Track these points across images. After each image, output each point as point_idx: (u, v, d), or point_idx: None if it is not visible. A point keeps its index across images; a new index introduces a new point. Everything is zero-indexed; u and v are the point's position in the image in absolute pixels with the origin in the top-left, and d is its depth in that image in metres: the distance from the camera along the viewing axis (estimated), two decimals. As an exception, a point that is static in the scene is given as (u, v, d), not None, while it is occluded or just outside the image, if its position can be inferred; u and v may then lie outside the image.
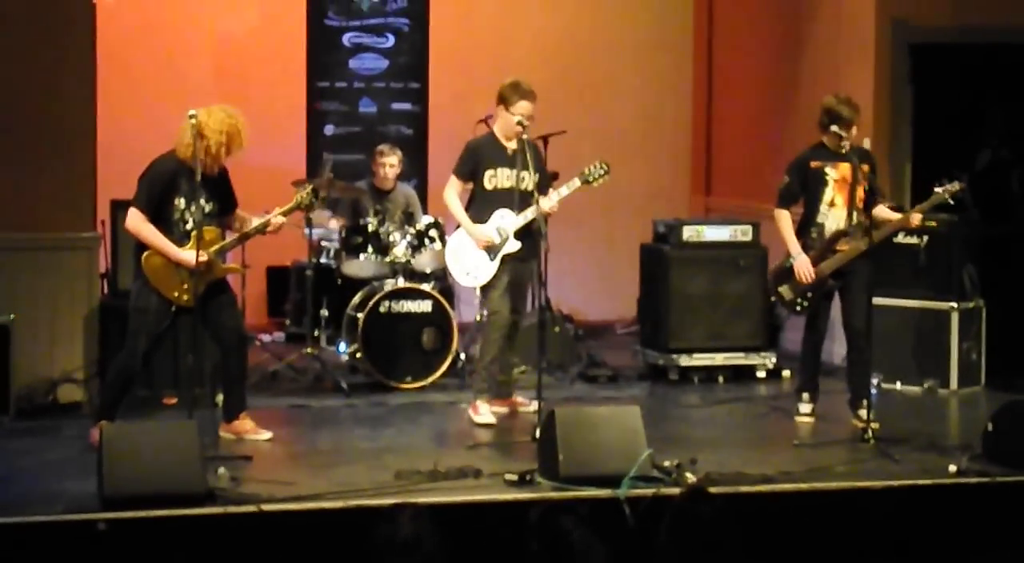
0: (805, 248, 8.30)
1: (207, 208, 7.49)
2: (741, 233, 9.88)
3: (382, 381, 9.20)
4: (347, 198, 10.03)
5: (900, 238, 9.23)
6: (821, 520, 6.66)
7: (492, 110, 8.51)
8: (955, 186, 8.21)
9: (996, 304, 9.52)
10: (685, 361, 9.64)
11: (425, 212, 10.22)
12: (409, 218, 9.73)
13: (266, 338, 10.55)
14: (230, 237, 7.84)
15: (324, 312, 9.78)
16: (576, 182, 8.38)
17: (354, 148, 11.72)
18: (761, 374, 9.75)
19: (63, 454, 7.42)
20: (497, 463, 7.24)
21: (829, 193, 8.30)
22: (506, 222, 8.35)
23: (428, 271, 9.51)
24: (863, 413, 8.04)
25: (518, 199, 8.30)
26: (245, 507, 6.31)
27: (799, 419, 8.47)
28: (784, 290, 8.41)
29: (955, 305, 9.38)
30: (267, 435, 7.83)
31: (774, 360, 9.80)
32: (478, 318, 9.56)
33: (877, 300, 8.47)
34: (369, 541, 4.47)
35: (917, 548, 6.57)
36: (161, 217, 7.53)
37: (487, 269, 8.39)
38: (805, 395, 8.51)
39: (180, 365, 8.41)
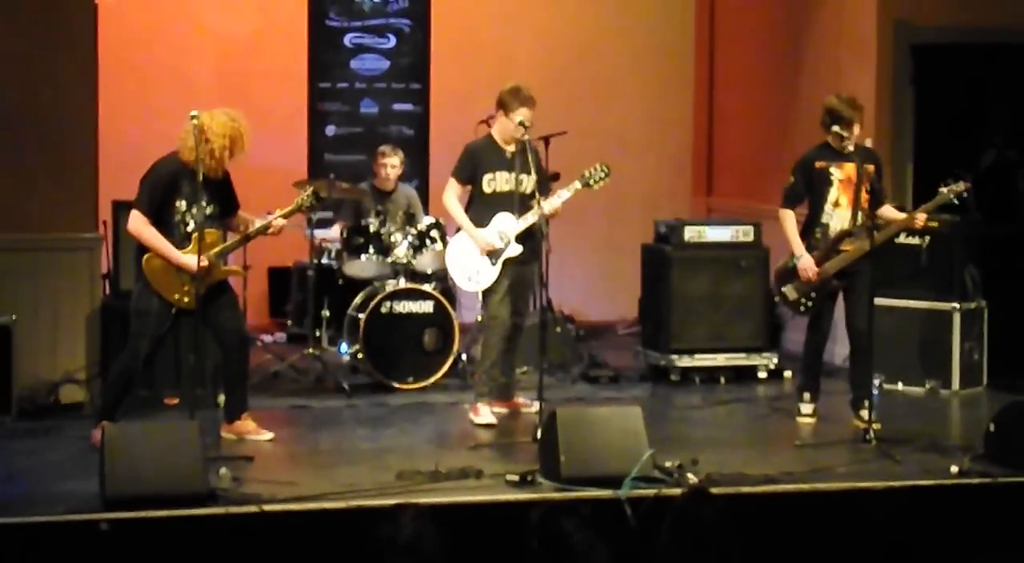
0: (809, 248, 8.30)
1: (208, 210, 7.49)
2: (743, 234, 9.88)
3: (383, 382, 9.20)
4: (349, 199, 10.04)
5: (902, 238, 9.22)
6: (822, 521, 6.66)
7: (493, 111, 8.51)
8: (960, 186, 8.21)
9: (998, 304, 9.52)
10: (686, 362, 9.64)
11: (426, 213, 10.22)
12: (410, 219, 9.73)
13: (267, 339, 10.57)
14: (231, 239, 7.84)
15: (325, 313, 9.78)
16: (577, 185, 8.38)
17: (355, 149, 11.73)
18: (762, 375, 9.74)
19: (65, 454, 7.42)
20: (498, 464, 7.24)
21: (834, 193, 8.30)
22: (507, 226, 8.34)
23: (429, 272, 9.51)
24: (865, 414, 8.04)
25: (518, 202, 8.31)
26: (247, 507, 6.32)
27: (800, 420, 8.46)
28: (788, 290, 8.40)
29: (957, 306, 9.37)
30: (268, 435, 7.83)
31: (775, 361, 9.80)
32: (479, 319, 9.56)
33: (879, 300, 8.47)
34: (370, 541, 4.48)
35: (918, 549, 6.57)
36: (162, 219, 7.53)
37: (489, 274, 8.39)
38: (806, 395, 8.51)
39: (182, 366, 8.42)
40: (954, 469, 7.10)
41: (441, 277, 9.53)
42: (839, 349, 9.27)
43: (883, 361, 8.97)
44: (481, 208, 8.41)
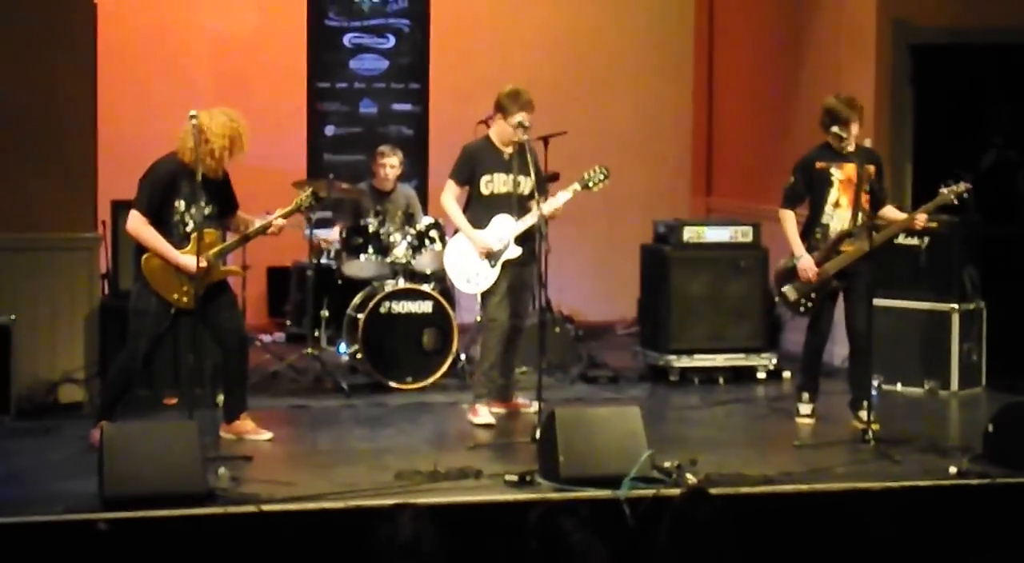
0: (810, 249, 8.29)
1: (207, 210, 7.49)
2: (742, 234, 9.88)
3: (382, 382, 9.20)
4: (348, 199, 10.03)
5: (901, 239, 9.22)
6: (821, 521, 6.66)
7: (492, 112, 8.50)
8: (961, 186, 8.21)
9: (997, 305, 9.52)
10: (685, 362, 9.64)
11: (425, 213, 10.22)
12: (409, 219, 9.73)
13: (266, 338, 10.56)
14: (231, 239, 7.84)
15: (324, 313, 9.78)
16: (576, 187, 8.37)
17: (355, 149, 11.73)
18: (761, 375, 9.74)
19: (64, 454, 7.42)
20: (497, 464, 7.23)
21: (834, 194, 8.29)
22: (506, 228, 8.34)
23: (428, 272, 9.51)
24: (864, 414, 8.03)
25: (516, 204, 8.30)
26: (245, 507, 6.32)
27: (799, 420, 8.46)
28: (788, 290, 8.40)
29: (956, 306, 9.37)
30: (267, 435, 7.83)
31: (774, 361, 9.79)
32: (478, 319, 9.55)
33: (878, 301, 8.47)
34: (369, 541, 4.48)
35: (918, 549, 6.56)
36: (161, 219, 7.53)
37: (488, 276, 8.38)
38: (805, 396, 8.50)
39: (181, 365, 8.42)
40: (953, 470, 7.10)
41: (440, 277, 9.52)
42: (838, 350, 9.26)
43: (882, 362, 8.97)
44: (479, 209, 8.40)
